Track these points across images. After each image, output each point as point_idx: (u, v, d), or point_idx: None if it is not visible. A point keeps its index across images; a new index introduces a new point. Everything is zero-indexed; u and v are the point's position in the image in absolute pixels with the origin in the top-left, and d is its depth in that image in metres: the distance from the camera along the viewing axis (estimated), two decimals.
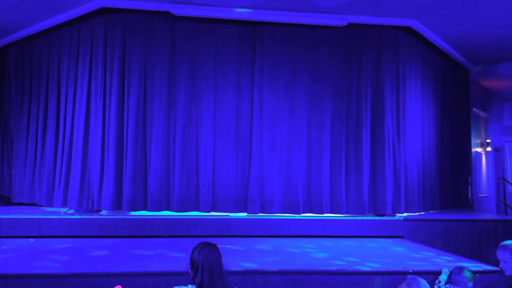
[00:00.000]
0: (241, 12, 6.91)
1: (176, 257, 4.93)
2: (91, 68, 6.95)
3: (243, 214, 6.80)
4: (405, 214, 7.14)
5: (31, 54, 7.92)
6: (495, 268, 4.58)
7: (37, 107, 7.68)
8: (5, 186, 8.00)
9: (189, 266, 2.73)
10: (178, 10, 6.79)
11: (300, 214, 6.86)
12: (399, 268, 4.59)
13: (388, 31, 7.41)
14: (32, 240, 5.79)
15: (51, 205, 7.11)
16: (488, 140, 11.01)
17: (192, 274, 2.68)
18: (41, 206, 7.35)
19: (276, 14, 6.96)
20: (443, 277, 4.25)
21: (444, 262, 5.03)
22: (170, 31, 6.98)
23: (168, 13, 6.80)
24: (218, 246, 2.82)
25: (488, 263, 5.05)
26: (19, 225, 6.05)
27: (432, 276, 4.36)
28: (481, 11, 6.88)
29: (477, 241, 6.69)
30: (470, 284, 3.81)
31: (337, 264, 4.78)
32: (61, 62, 7.37)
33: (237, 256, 4.86)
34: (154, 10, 6.85)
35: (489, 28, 7.55)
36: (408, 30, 7.52)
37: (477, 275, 4.38)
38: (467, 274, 3.88)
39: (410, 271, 4.37)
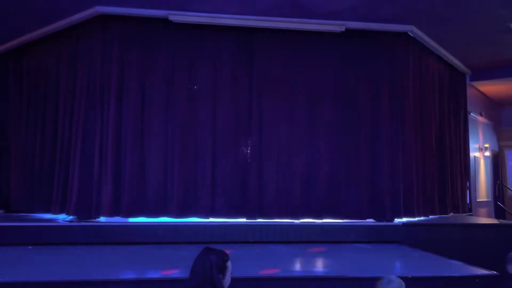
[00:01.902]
0: (239, 19, 6.93)
1: (174, 263, 4.92)
2: (89, 74, 6.95)
3: (242, 220, 6.79)
4: (404, 219, 7.13)
5: (29, 61, 7.94)
6: (494, 273, 4.57)
7: (35, 114, 7.69)
8: (3, 193, 7.98)
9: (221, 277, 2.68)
10: (176, 17, 6.81)
11: (299, 219, 6.85)
12: (398, 274, 4.57)
13: (385, 37, 7.43)
14: (30, 247, 5.76)
15: (49, 212, 7.10)
16: (486, 145, 11.03)
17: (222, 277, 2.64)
18: (40, 213, 7.34)
19: (274, 21, 6.98)
20: None
21: (443, 267, 5.02)
22: (168, 37, 7.00)
23: (166, 19, 6.82)
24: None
25: (487, 267, 5.03)
26: (17, 233, 6.02)
27: (431, 281, 4.35)
28: (476, 15, 6.92)
29: (476, 246, 6.68)
30: None
31: (336, 270, 4.76)
32: (60, 68, 7.39)
33: (236, 262, 4.84)
34: (152, 17, 6.87)
35: (485, 33, 7.59)
36: (405, 35, 7.55)
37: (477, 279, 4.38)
38: None
39: (410, 277, 4.36)
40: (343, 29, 7.13)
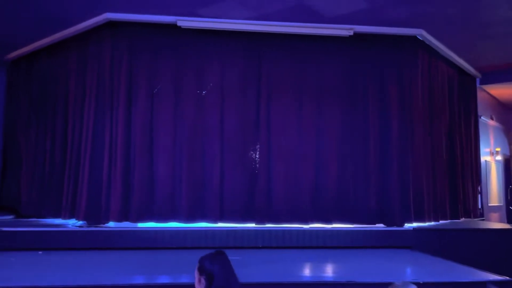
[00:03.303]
0: (247, 24, 6.95)
1: (183, 268, 4.91)
2: (98, 80, 7.01)
3: (251, 225, 6.77)
4: (414, 224, 7.07)
5: (39, 68, 8.03)
6: (507, 279, 4.50)
7: (45, 120, 7.76)
8: (14, 198, 8.05)
9: (197, 277, 2.68)
10: (185, 23, 6.84)
11: (308, 224, 6.81)
12: (408, 279, 4.53)
13: (394, 40, 7.40)
14: (40, 252, 5.80)
15: (59, 217, 7.14)
16: (498, 149, 10.92)
17: (205, 285, 2.63)
18: (49, 218, 7.39)
19: (281, 26, 6.99)
20: None
21: (454, 273, 4.96)
22: (176, 43, 7.03)
23: (174, 25, 6.86)
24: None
25: (499, 273, 4.96)
26: (27, 238, 6.06)
27: (442, 287, 4.30)
28: (486, 18, 6.88)
29: (488, 251, 6.60)
30: None
31: (345, 275, 4.73)
32: (69, 75, 7.45)
33: (245, 268, 4.84)
34: (160, 23, 6.92)
35: (495, 35, 7.53)
36: (414, 39, 7.52)
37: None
38: None
39: (421, 282, 4.30)
40: (351, 33, 7.11)
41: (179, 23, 6.84)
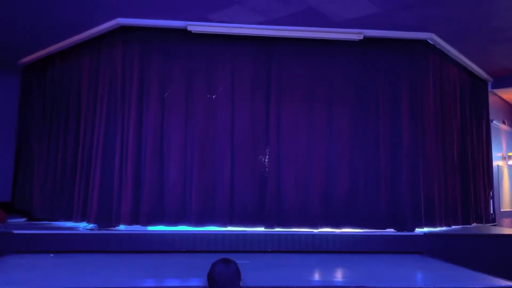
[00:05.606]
0: (257, 29, 6.98)
1: (193, 272, 4.93)
2: (110, 85, 7.08)
3: (260, 229, 6.77)
4: (425, 229, 7.01)
5: (52, 73, 8.14)
6: None
7: (58, 124, 7.85)
8: (26, 202, 8.15)
9: (207, 283, 2.75)
10: (195, 28, 6.90)
11: (317, 228, 6.80)
12: (420, 285, 4.50)
13: (404, 45, 7.38)
14: (52, 255, 5.86)
15: (70, 220, 7.21)
16: (510, 153, 10.80)
17: None
18: (61, 221, 7.47)
19: (291, 30, 7.01)
20: None
21: (465, 279, 4.91)
22: (187, 47, 7.08)
23: (185, 30, 6.92)
24: (237, 262, 2.84)
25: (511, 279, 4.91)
26: (39, 240, 6.13)
27: None
28: (497, 22, 6.82)
29: (500, 257, 6.52)
30: None
31: (355, 280, 4.71)
32: (81, 79, 7.54)
33: (254, 272, 4.84)
34: (171, 28, 6.98)
35: (507, 39, 7.47)
36: (425, 43, 7.49)
37: None
38: None
39: None
40: (361, 37, 7.10)
41: (190, 28, 6.89)
